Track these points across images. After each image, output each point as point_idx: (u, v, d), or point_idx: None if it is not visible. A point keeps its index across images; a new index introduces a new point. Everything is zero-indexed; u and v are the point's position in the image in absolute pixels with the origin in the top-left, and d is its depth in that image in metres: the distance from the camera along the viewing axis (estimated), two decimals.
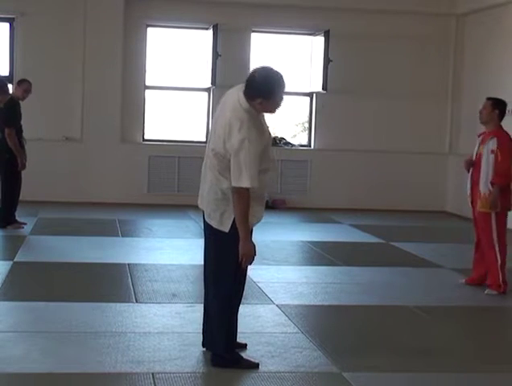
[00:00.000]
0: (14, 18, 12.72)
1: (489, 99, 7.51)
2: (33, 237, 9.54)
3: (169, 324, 5.94)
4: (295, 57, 13.79)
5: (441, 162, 13.76)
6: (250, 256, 4.81)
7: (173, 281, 7.40)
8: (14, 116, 9.77)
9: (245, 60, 12.96)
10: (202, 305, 5.31)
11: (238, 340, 5.23)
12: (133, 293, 6.89)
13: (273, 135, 13.46)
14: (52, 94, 12.74)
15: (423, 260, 9.02)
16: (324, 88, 13.21)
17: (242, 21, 13.13)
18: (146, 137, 13.41)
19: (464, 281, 7.75)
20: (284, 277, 7.82)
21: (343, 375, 4.96)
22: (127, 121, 13.07)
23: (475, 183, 7.43)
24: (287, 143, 13.73)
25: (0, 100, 9.66)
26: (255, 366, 5.01)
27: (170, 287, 7.16)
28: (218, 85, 12.70)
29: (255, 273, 7.27)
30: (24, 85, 10.03)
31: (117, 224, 10.79)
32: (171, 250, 9.11)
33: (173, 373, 4.86)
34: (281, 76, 4.82)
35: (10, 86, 10.29)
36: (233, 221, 4.82)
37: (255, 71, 4.87)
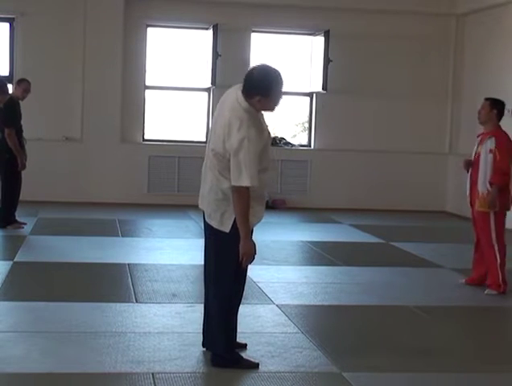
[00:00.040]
0: (14, 18, 12.72)
1: (487, 99, 7.52)
2: (33, 237, 9.55)
3: (169, 324, 5.94)
4: (295, 57, 13.79)
5: (441, 162, 13.76)
6: (251, 255, 4.81)
7: (173, 281, 7.40)
8: (14, 116, 9.77)
9: (245, 60, 12.95)
10: (202, 305, 5.31)
11: (238, 340, 5.23)
12: (133, 293, 6.89)
13: (273, 135, 13.49)
14: (52, 94, 12.74)
15: (423, 260, 9.02)
16: (324, 88, 13.21)
17: (242, 21, 13.13)
18: (146, 137, 13.42)
19: (464, 281, 7.75)
20: (284, 277, 7.82)
21: (343, 375, 4.96)
22: (127, 121, 13.07)
23: (474, 183, 7.44)
24: (287, 143, 13.73)
25: (0, 100, 9.67)
26: (255, 366, 5.01)
27: (170, 287, 7.16)
28: (218, 85, 12.70)
29: (255, 273, 7.27)
30: (23, 85, 10.02)
31: (117, 224, 10.79)
32: (171, 250, 9.11)
33: (173, 373, 4.86)
34: (279, 73, 4.83)
35: (9, 86, 10.26)
36: (234, 221, 4.82)
37: (253, 69, 4.88)
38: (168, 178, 13.06)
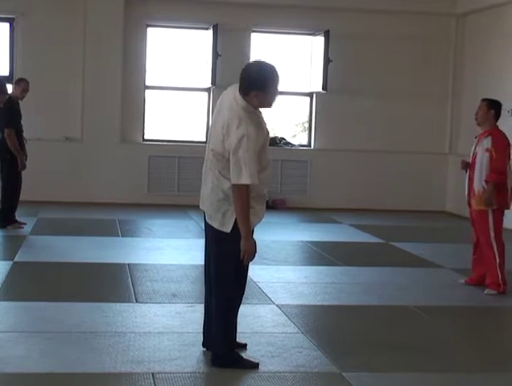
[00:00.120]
0: (14, 18, 12.72)
1: (484, 100, 7.53)
2: (33, 237, 9.54)
3: (169, 324, 5.94)
4: (295, 57, 13.79)
5: (441, 162, 13.76)
6: (252, 253, 4.82)
7: (173, 281, 7.40)
8: (14, 116, 9.77)
9: (245, 60, 12.88)
10: (202, 305, 5.32)
11: (238, 340, 5.23)
12: (133, 293, 6.89)
13: (273, 135, 13.50)
14: (52, 94, 12.74)
15: (423, 260, 9.02)
16: (324, 88, 13.20)
17: (242, 21, 13.13)
18: (146, 137, 13.41)
19: (464, 281, 7.75)
20: (284, 276, 7.82)
21: (343, 375, 4.96)
22: (127, 121, 13.07)
23: (472, 183, 7.45)
24: (287, 143, 13.73)
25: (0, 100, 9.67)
26: (255, 366, 5.02)
27: (170, 287, 7.16)
28: (218, 85, 12.69)
29: (255, 273, 7.27)
30: (22, 84, 10.03)
31: (117, 224, 10.79)
32: (171, 250, 9.11)
33: (173, 373, 4.86)
34: (274, 68, 4.84)
35: (9, 86, 10.25)
36: (235, 222, 4.82)
37: (248, 65, 4.90)
38: (168, 178, 13.06)
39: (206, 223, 5.04)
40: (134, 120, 13.21)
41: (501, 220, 7.45)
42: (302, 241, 10.09)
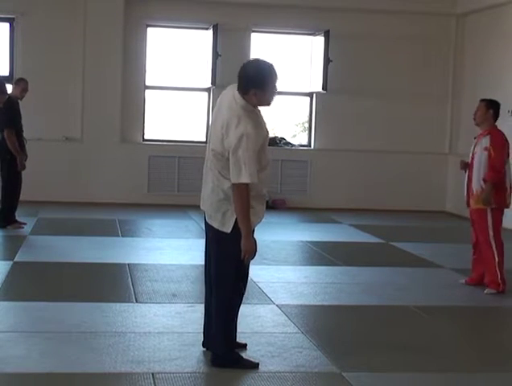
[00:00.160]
0: (14, 18, 12.72)
1: (482, 100, 7.54)
2: (33, 237, 9.55)
3: (169, 324, 5.94)
4: (295, 57, 13.78)
5: (441, 162, 13.76)
6: (252, 251, 4.82)
7: (173, 281, 7.40)
8: (14, 116, 9.77)
9: (245, 60, 12.91)
10: (202, 305, 5.32)
11: (238, 340, 5.23)
12: (133, 293, 6.89)
13: (273, 135, 13.50)
14: (52, 94, 12.74)
15: (423, 260, 9.02)
16: (324, 88, 13.20)
17: (242, 21, 13.13)
18: (146, 137, 13.41)
19: (464, 281, 7.75)
20: (284, 276, 7.82)
21: (343, 375, 4.96)
22: (127, 121, 13.07)
23: (471, 183, 7.46)
24: (287, 143, 13.72)
25: None
26: (255, 366, 5.02)
27: (170, 287, 7.16)
28: (218, 85, 12.69)
29: (255, 273, 7.27)
30: (21, 84, 10.04)
31: (117, 224, 10.79)
32: (171, 250, 9.11)
33: (173, 373, 4.86)
34: (271, 66, 4.85)
35: (9, 86, 10.25)
36: (235, 222, 4.82)
37: (245, 64, 4.92)
38: (168, 178, 13.06)
39: (206, 223, 5.04)
40: (134, 120, 13.21)
41: (500, 219, 7.45)
42: (302, 241, 10.09)
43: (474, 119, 7.52)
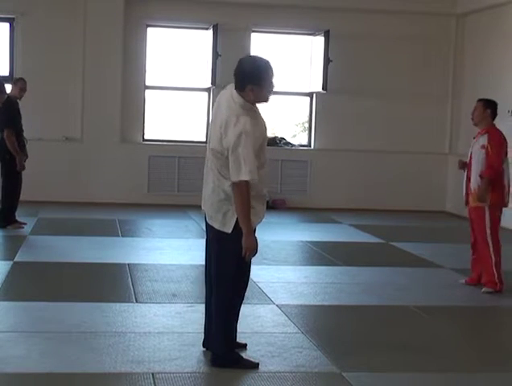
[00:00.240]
0: (14, 18, 12.72)
1: (480, 100, 7.55)
2: (33, 237, 9.55)
3: (169, 324, 5.94)
4: (295, 57, 13.78)
5: (441, 162, 13.76)
6: (253, 249, 4.82)
7: (173, 281, 7.40)
8: (13, 116, 9.77)
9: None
10: (202, 305, 5.32)
11: (238, 340, 5.23)
12: (133, 293, 6.89)
13: (273, 135, 13.51)
14: (52, 94, 12.74)
15: (423, 260, 9.02)
16: (324, 88, 13.20)
17: (242, 21, 13.13)
18: (146, 137, 13.41)
19: (464, 281, 7.75)
20: (284, 276, 7.82)
21: (343, 375, 4.96)
22: (127, 121, 13.07)
23: (469, 183, 7.46)
24: (287, 143, 13.72)
25: None
26: (255, 366, 5.02)
27: (170, 287, 7.16)
28: (218, 85, 12.68)
29: (255, 273, 7.23)
30: (20, 84, 10.04)
31: (117, 224, 10.79)
32: (171, 250, 9.11)
33: (173, 373, 4.86)
34: (268, 62, 4.86)
35: (8, 86, 10.25)
36: (236, 222, 4.82)
37: (241, 60, 4.90)
38: (168, 178, 13.06)
39: (207, 224, 5.04)
40: (134, 120, 13.21)
41: (498, 218, 7.44)
42: (302, 241, 10.09)
43: (472, 119, 7.53)
